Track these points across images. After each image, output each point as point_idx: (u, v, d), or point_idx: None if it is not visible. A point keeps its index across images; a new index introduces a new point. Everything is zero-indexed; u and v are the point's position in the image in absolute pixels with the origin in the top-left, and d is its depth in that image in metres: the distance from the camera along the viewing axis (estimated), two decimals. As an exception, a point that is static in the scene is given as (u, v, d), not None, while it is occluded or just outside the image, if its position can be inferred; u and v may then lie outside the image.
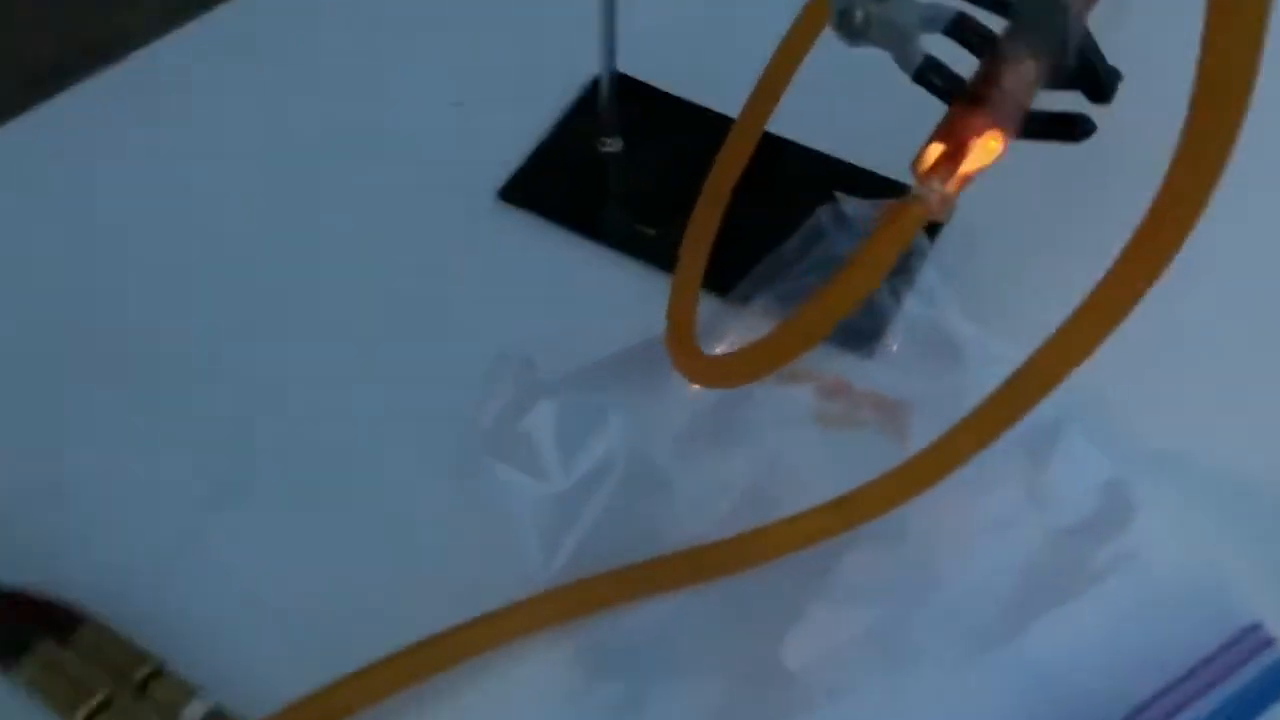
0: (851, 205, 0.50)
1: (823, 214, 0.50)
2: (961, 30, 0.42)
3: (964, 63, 0.40)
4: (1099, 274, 0.36)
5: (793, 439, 0.47)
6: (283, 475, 0.50)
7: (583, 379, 0.47)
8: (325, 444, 0.51)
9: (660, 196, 0.58)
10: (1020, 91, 0.39)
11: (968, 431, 0.40)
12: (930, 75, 0.41)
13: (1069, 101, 0.41)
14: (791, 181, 0.57)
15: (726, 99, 0.59)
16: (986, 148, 0.38)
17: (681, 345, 0.45)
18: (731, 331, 0.49)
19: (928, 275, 0.52)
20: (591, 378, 0.48)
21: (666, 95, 0.61)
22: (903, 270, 0.51)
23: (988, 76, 0.39)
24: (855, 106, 0.57)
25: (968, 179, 0.38)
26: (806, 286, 0.49)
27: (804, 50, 0.48)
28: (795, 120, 0.55)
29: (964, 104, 0.39)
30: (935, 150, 0.38)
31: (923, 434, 0.48)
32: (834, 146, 0.59)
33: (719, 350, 0.48)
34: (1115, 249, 0.35)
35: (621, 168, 0.59)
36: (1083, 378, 0.38)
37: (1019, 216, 0.55)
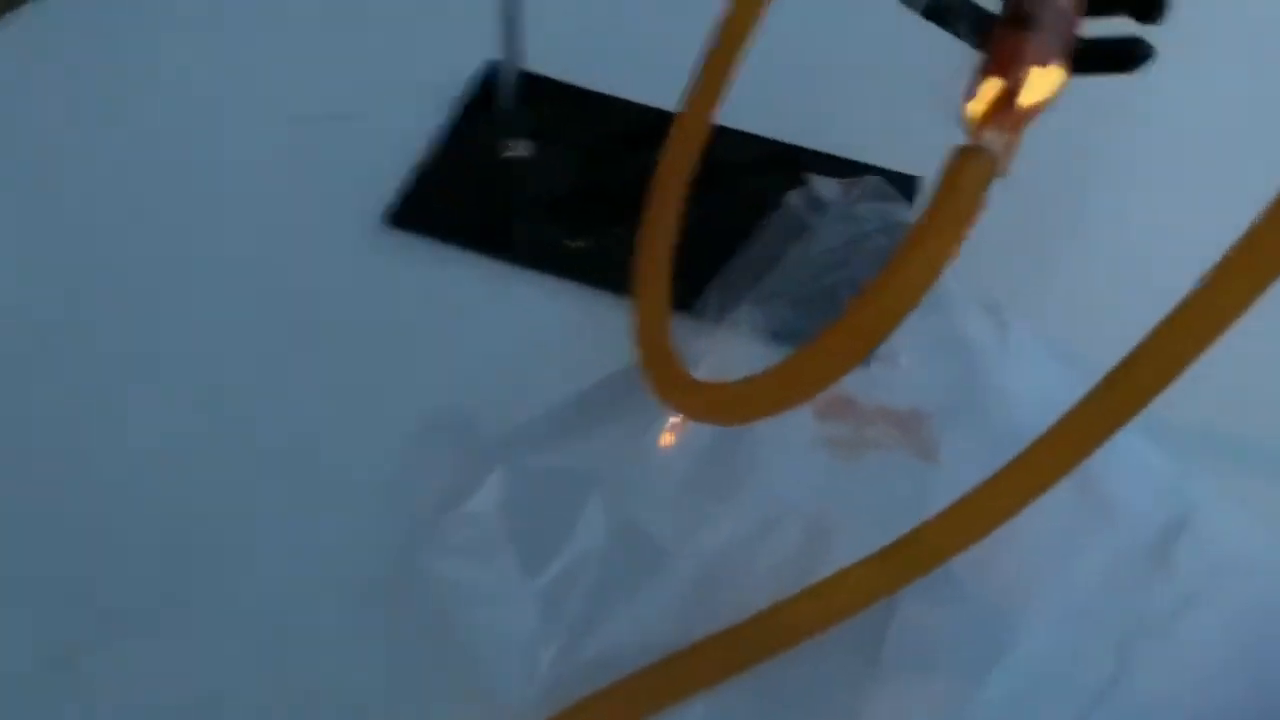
0: (827, 187, 0.42)
1: (794, 201, 0.42)
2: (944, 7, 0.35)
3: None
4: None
5: (804, 477, 0.39)
6: (145, 610, 0.38)
7: (537, 436, 0.38)
8: (197, 561, 0.39)
9: (583, 201, 0.49)
10: (1070, 7, 0.32)
11: (1062, 440, 0.31)
12: (951, 9, 0.33)
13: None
14: (736, 171, 0.48)
15: (642, 85, 0.51)
16: (1046, 79, 0.30)
17: (667, 375, 0.36)
18: (712, 354, 0.40)
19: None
20: (547, 433, 0.38)
21: (575, 88, 0.52)
22: (877, 259, 0.43)
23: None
24: (792, 80, 0.49)
25: (1029, 118, 0.30)
26: (800, 288, 0.40)
27: (761, 6, 0.39)
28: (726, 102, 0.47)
29: (1010, 29, 0.31)
30: (992, 87, 0.30)
31: (953, 447, 0.40)
32: (773, 128, 0.50)
33: (699, 377, 0.39)
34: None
35: (533, 173, 0.50)
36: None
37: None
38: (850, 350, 0.30)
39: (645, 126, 0.49)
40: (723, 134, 0.45)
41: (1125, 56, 0.33)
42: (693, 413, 0.35)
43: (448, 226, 0.48)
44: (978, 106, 0.30)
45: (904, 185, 0.45)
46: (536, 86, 0.50)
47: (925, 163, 0.45)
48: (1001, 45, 0.31)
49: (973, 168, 0.29)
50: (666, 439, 0.37)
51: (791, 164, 0.48)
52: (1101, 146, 0.50)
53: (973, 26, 0.34)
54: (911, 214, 0.43)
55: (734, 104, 0.43)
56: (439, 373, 0.43)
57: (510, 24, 0.46)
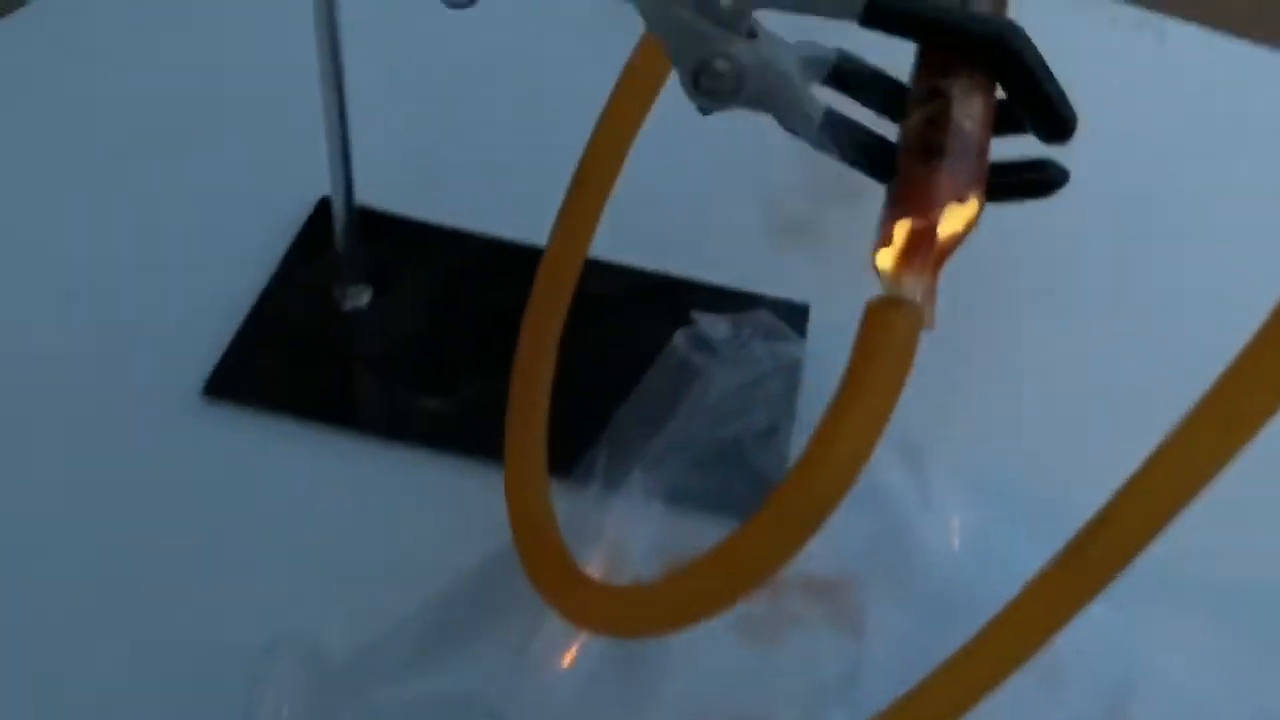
0: (715, 326, 0.37)
1: (681, 344, 0.37)
2: (847, 75, 0.31)
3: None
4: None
5: (722, 671, 0.33)
6: None
7: (396, 656, 0.31)
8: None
9: (435, 352, 0.42)
10: (979, 134, 0.28)
11: (1023, 621, 0.26)
12: (840, 134, 0.29)
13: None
14: (613, 308, 0.43)
15: (488, 215, 0.45)
16: (963, 212, 0.26)
17: (553, 570, 0.30)
18: (604, 531, 0.34)
19: (811, 402, 0.39)
20: (408, 650, 0.32)
21: (415, 223, 0.46)
22: (776, 405, 0.38)
23: (934, 121, 0.28)
24: (664, 209, 0.45)
25: (947, 256, 0.26)
26: (698, 443, 0.35)
27: (633, 131, 0.35)
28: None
29: (917, 162, 0.27)
30: (902, 230, 0.26)
31: (880, 618, 0.35)
32: (649, 259, 0.46)
33: (593, 563, 0.33)
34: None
35: (374, 323, 0.43)
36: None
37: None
38: (782, 543, 0.24)
39: (499, 260, 0.44)
40: (596, 268, 0.40)
41: (1040, 183, 0.30)
42: (591, 623, 0.29)
43: (278, 394, 0.41)
44: (891, 253, 0.26)
45: (793, 316, 0.41)
46: (373, 223, 0.44)
47: (807, 288, 0.41)
48: (910, 182, 0.27)
49: (898, 323, 0.24)
50: (559, 652, 0.31)
51: (671, 297, 0.43)
52: (1014, 274, 0.47)
53: (884, 102, 0.30)
54: (806, 349, 0.38)
55: (603, 234, 0.39)
56: (274, 576, 0.36)
57: (340, 156, 0.40)
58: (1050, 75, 0.28)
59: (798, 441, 0.38)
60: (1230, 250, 0.51)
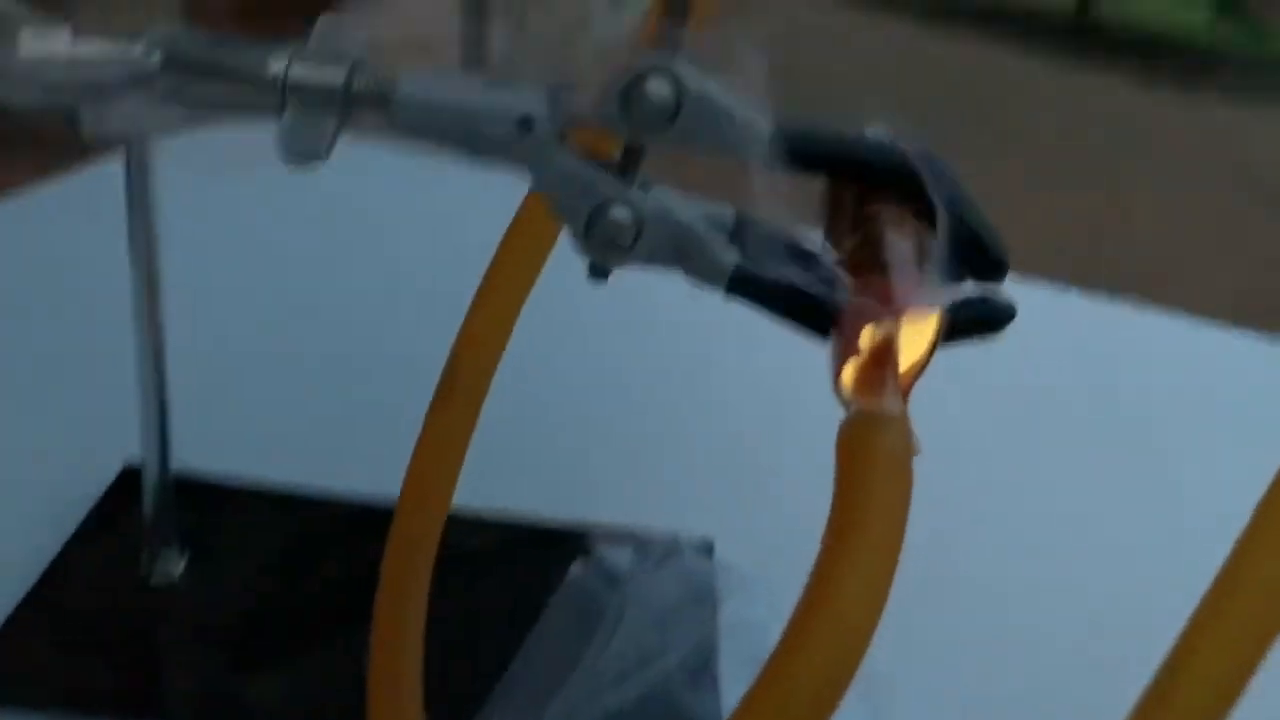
0: (618, 555, 0.31)
1: (579, 577, 0.31)
2: (746, 233, 0.28)
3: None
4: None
5: None
6: None
7: None
8: None
9: (263, 630, 0.35)
10: (918, 250, 0.25)
11: None
12: (758, 284, 0.26)
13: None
14: (488, 562, 0.37)
15: (317, 473, 0.40)
16: (921, 333, 0.23)
17: None
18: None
19: (734, 632, 0.33)
20: None
21: (234, 488, 0.40)
22: (698, 638, 0.32)
23: (869, 241, 0.25)
24: (538, 452, 0.41)
25: (912, 381, 0.23)
26: (612, 696, 0.28)
27: (508, 328, 0.30)
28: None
29: (860, 285, 0.24)
30: (862, 341, 0.22)
31: None
32: (526, 507, 0.40)
33: None
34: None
35: (189, 599, 0.36)
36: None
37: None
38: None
39: (339, 522, 0.38)
40: (459, 523, 0.34)
41: (987, 318, 0.27)
42: None
43: (67, 690, 0.33)
44: (853, 369, 0.22)
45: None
46: (188, 491, 0.37)
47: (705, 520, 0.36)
48: (858, 301, 0.24)
49: (882, 436, 0.20)
50: None
51: (552, 545, 0.38)
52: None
53: (789, 307, 0.27)
54: (720, 575, 0.33)
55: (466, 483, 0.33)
56: None
57: (153, 416, 0.34)
58: (971, 206, 0.26)
59: (731, 679, 0.31)
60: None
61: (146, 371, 0.34)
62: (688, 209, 0.27)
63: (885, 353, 0.22)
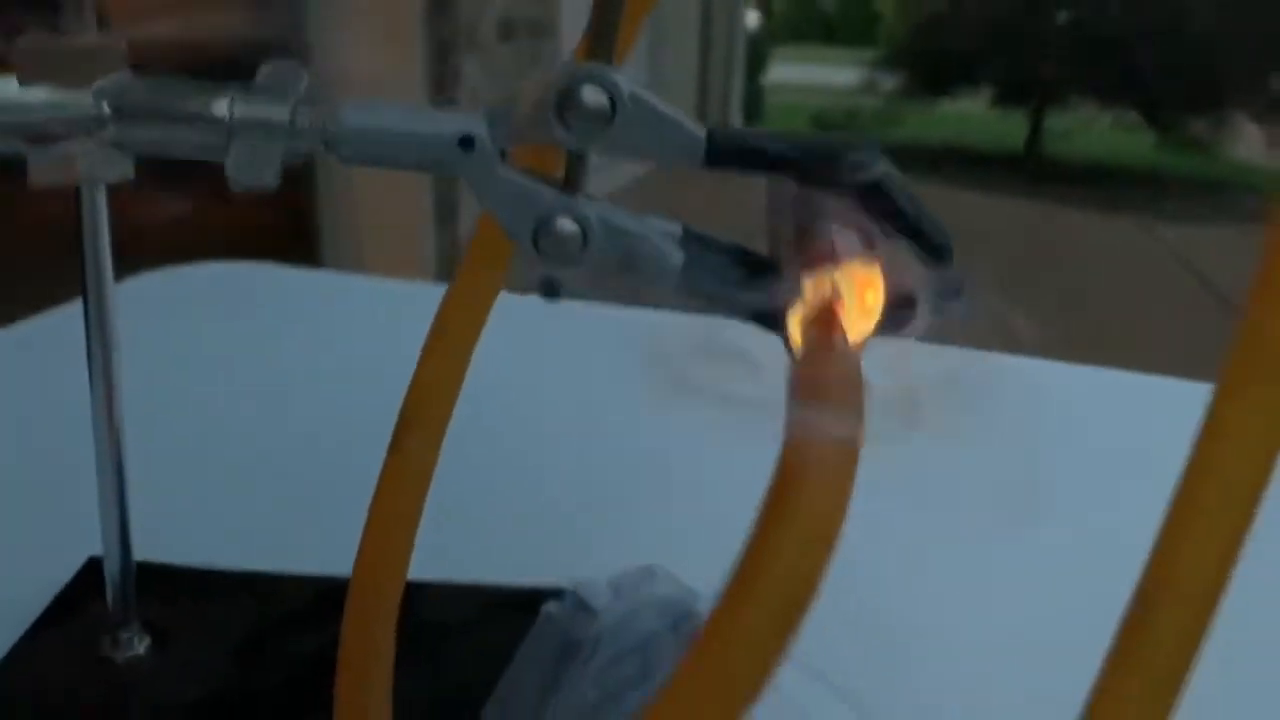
0: (593, 590, 0.31)
1: (555, 614, 0.30)
2: (694, 243, 0.29)
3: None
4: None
5: None
6: None
7: None
8: None
9: (227, 708, 0.34)
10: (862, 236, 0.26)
11: None
12: (708, 276, 0.26)
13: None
14: (451, 632, 0.36)
15: (280, 556, 0.39)
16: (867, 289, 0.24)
17: None
18: None
19: None
20: None
21: (200, 572, 0.39)
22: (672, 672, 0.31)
23: (808, 230, 0.26)
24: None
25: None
26: (595, 714, 0.27)
27: (463, 367, 0.30)
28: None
29: (802, 261, 0.25)
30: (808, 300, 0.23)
31: None
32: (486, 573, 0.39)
33: None
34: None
35: (152, 680, 0.34)
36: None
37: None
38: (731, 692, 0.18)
39: (296, 599, 0.37)
40: (420, 590, 0.34)
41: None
42: None
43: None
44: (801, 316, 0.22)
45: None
46: (149, 578, 0.37)
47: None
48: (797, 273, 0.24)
49: (837, 366, 0.20)
50: None
51: (520, 608, 0.37)
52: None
53: (739, 300, 0.27)
54: (700, 601, 0.32)
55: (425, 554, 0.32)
56: None
57: (114, 508, 0.34)
58: (915, 202, 0.27)
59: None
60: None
61: (105, 466, 0.34)
62: (633, 219, 0.27)
63: (832, 301, 0.22)
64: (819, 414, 0.19)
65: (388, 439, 0.30)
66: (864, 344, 0.23)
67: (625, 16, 0.26)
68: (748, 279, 0.26)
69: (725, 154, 0.27)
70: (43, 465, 0.46)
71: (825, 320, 0.22)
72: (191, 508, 0.43)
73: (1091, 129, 6.92)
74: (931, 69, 6.83)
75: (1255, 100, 5.85)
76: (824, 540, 0.18)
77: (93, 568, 0.38)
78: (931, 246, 0.27)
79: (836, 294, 0.22)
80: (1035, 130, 6.81)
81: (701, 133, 0.26)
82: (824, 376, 0.20)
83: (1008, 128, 6.87)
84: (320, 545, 0.35)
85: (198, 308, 0.66)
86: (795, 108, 7.55)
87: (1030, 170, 6.37)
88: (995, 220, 4.83)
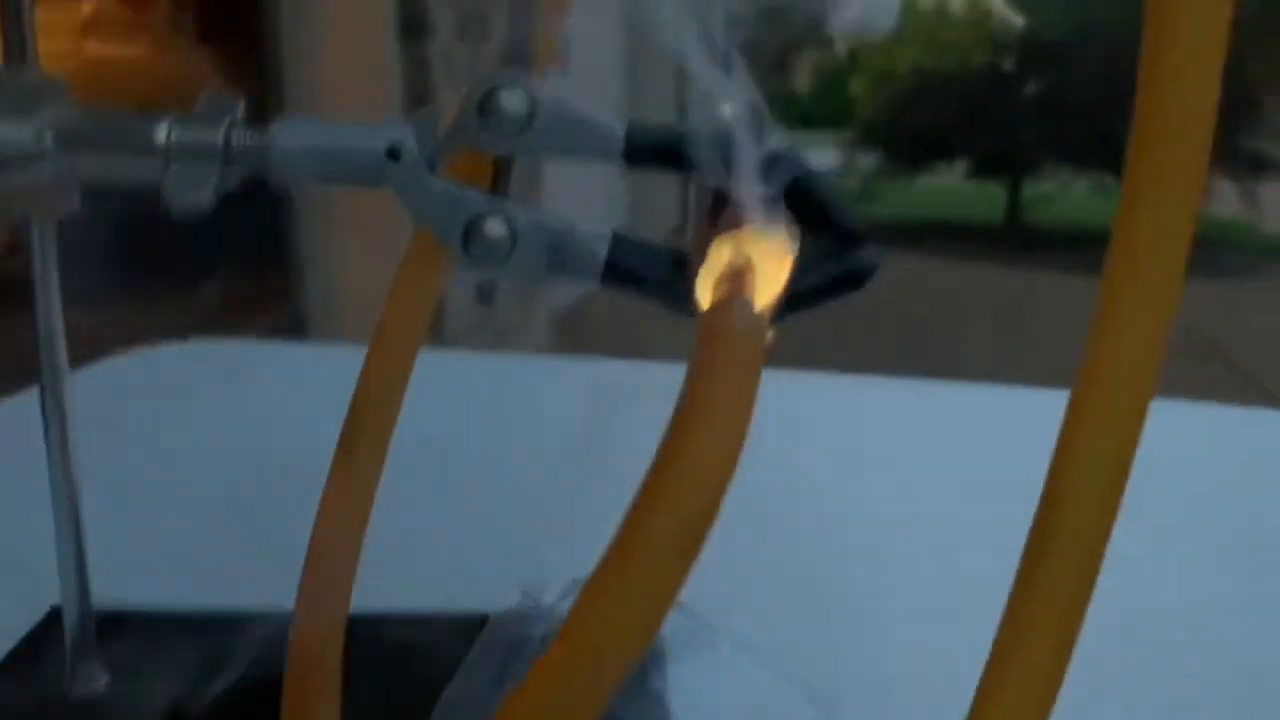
0: (545, 590, 0.31)
1: (505, 619, 0.31)
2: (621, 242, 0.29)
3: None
4: None
5: None
6: None
7: None
8: None
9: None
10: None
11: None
12: (633, 263, 0.27)
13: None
14: (394, 660, 0.36)
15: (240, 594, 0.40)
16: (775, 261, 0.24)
17: None
18: None
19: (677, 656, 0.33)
20: None
21: (162, 615, 0.39)
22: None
23: (720, 199, 0.27)
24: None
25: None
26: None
27: (408, 370, 0.31)
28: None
29: (710, 221, 0.26)
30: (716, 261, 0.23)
31: None
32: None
33: None
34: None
35: (111, 714, 0.34)
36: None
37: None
38: (656, 584, 0.18)
39: (257, 633, 0.38)
40: (366, 620, 0.34)
41: (848, 279, 0.28)
42: None
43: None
44: (709, 279, 0.23)
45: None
46: (109, 622, 0.37)
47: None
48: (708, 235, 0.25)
49: (735, 311, 0.21)
50: None
51: (470, 633, 0.37)
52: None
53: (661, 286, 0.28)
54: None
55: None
56: None
57: (71, 558, 0.35)
58: (823, 183, 0.28)
59: (676, 695, 0.30)
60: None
61: (62, 516, 0.35)
62: (559, 220, 0.28)
63: (738, 261, 0.23)
64: (721, 353, 0.20)
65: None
66: (770, 310, 0.24)
67: (541, 24, 0.28)
68: (671, 271, 0.27)
69: (643, 151, 0.28)
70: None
71: (733, 279, 0.23)
72: (148, 556, 0.43)
73: (1069, 194, 7.02)
74: (907, 146, 6.94)
75: (1226, 157, 5.95)
76: (721, 471, 0.18)
77: (55, 616, 0.38)
78: (844, 230, 0.28)
79: (744, 259, 0.23)
80: (1013, 199, 6.90)
81: (620, 130, 0.28)
82: (728, 322, 0.20)
83: (986, 199, 6.97)
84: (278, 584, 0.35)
85: (148, 388, 0.67)
86: (777, 192, 7.62)
87: (1012, 239, 6.45)
88: (981, 289, 4.87)
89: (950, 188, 7.13)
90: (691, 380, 0.19)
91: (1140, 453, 0.19)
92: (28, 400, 0.36)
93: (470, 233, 0.27)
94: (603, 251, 0.27)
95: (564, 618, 0.26)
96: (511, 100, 0.27)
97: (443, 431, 0.49)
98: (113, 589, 0.36)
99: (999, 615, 0.20)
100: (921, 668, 0.38)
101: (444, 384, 0.40)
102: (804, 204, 0.27)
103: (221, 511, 0.49)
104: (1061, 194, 7.03)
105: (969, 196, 7.01)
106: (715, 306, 0.21)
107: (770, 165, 0.27)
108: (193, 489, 0.52)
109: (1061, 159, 6.71)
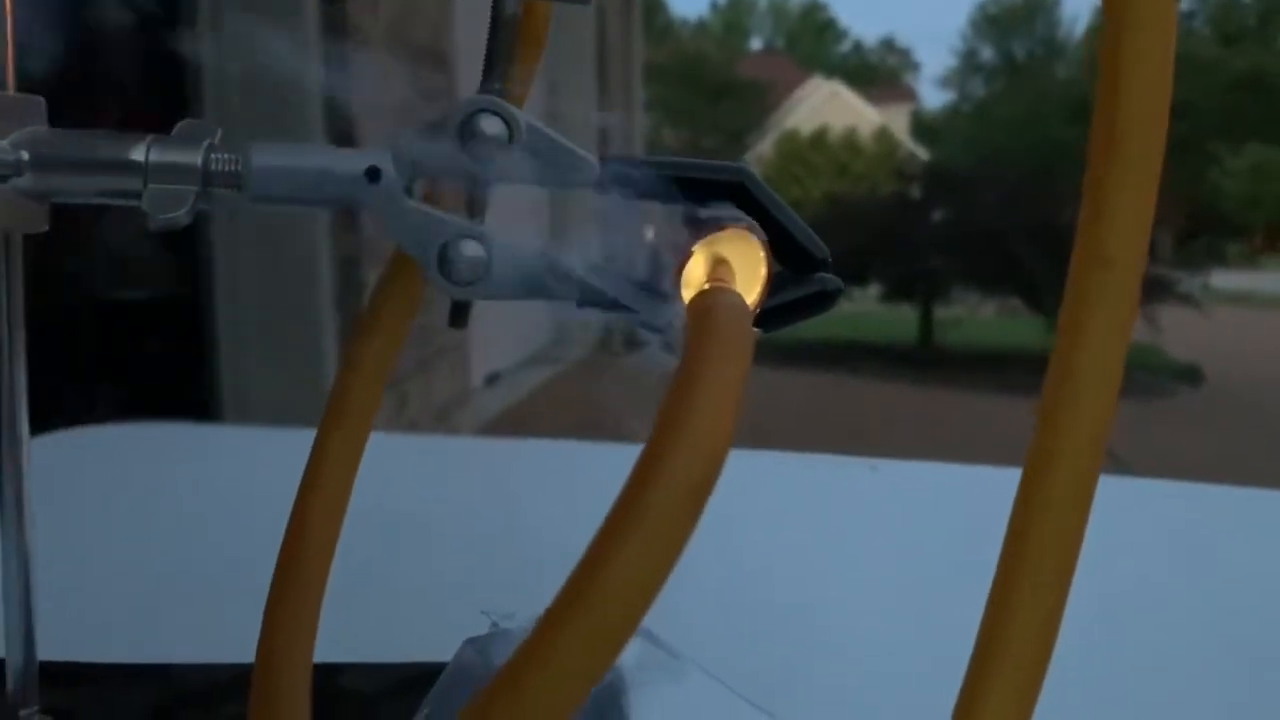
0: (512, 621, 0.31)
1: (468, 655, 0.30)
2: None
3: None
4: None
5: None
6: None
7: None
8: None
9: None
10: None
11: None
12: (611, 280, 0.28)
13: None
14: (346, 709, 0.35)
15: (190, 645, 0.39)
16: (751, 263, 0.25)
17: None
18: None
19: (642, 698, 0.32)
20: None
21: (105, 666, 0.38)
22: (602, 698, 0.31)
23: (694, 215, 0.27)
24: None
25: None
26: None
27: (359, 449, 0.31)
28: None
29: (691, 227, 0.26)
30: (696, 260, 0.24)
31: None
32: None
33: None
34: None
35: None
36: None
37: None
38: (654, 556, 0.18)
39: (204, 685, 0.37)
40: (330, 671, 0.33)
41: (817, 299, 0.29)
42: None
43: None
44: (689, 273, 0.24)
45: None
46: (53, 673, 0.35)
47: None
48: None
49: (722, 297, 0.22)
50: None
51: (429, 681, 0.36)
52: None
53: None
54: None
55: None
56: None
57: (17, 608, 0.33)
58: (786, 212, 0.29)
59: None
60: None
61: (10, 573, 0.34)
62: (535, 242, 0.29)
63: (719, 263, 0.24)
64: (712, 327, 0.20)
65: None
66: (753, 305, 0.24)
67: (519, 52, 0.29)
68: (645, 289, 0.28)
69: (616, 178, 0.29)
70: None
71: (714, 274, 0.23)
72: (98, 609, 0.42)
73: (977, 318, 7.23)
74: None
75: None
76: (715, 454, 0.19)
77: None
78: (804, 253, 0.29)
79: (722, 260, 0.24)
80: (925, 321, 7.10)
81: (594, 159, 0.28)
82: (715, 301, 0.21)
83: (900, 321, 7.15)
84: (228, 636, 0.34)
85: (100, 466, 0.66)
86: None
87: (924, 359, 6.60)
88: (896, 406, 4.97)
89: (865, 310, 7.31)
90: (686, 354, 0.20)
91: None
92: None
93: (447, 254, 0.28)
94: (578, 272, 0.28)
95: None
96: (491, 124, 0.28)
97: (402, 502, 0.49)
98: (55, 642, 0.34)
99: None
100: None
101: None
102: (766, 228, 0.28)
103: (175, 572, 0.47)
104: (969, 317, 7.25)
105: (883, 319, 7.19)
106: (702, 292, 0.22)
107: (733, 190, 0.28)
108: (145, 554, 0.51)
109: (970, 283, 6.95)
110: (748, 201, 0.28)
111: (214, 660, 0.37)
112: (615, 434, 0.32)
